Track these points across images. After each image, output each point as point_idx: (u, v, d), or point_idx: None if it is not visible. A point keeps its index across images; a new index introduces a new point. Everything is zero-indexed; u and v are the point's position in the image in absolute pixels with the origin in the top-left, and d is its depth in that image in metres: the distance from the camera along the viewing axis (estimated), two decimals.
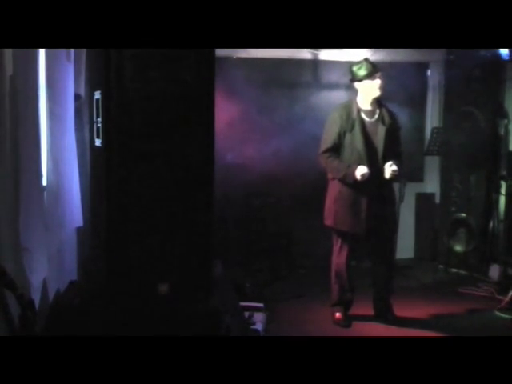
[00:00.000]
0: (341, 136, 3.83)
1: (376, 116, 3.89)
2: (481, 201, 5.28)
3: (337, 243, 4.00)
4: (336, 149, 3.85)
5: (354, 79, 3.89)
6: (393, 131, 3.90)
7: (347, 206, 3.85)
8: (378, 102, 3.90)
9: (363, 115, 3.87)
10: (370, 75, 3.80)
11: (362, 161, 3.77)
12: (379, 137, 3.83)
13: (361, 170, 3.74)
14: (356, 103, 3.89)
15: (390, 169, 3.79)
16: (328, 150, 3.86)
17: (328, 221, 3.99)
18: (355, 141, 3.80)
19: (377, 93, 3.84)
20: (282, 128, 5.10)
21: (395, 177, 3.84)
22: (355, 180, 3.75)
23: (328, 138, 3.87)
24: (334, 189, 3.94)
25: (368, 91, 3.85)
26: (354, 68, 3.87)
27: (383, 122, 3.86)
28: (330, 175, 3.97)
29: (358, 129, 3.80)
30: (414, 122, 5.56)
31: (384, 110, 3.91)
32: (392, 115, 3.95)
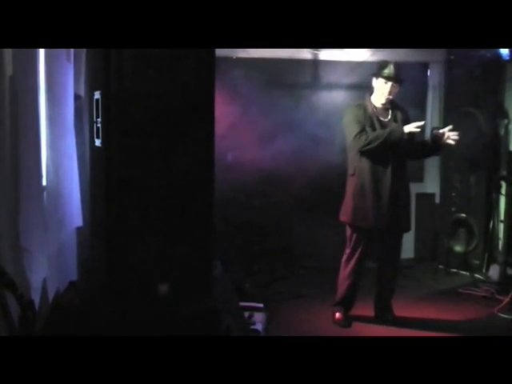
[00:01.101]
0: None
1: (389, 116, 3.90)
2: (481, 201, 5.29)
3: (350, 242, 3.96)
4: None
5: (374, 73, 3.89)
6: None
7: (367, 201, 3.80)
8: (391, 104, 3.91)
9: (377, 113, 3.88)
10: (385, 77, 3.80)
11: (388, 155, 3.77)
12: None
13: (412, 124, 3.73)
14: (370, 102, 3.90)
15: (449, 134, 3.79)
16: (361, 131, 3.79)
17: (344, 216, 3.94)
18: None
19: (382, 98, 3.85)
20: (282, 128, 5.09)
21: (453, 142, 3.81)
22: (402, 133, 3.70)
23: (353, 128, 3.81)
24: (352, 185, 3.90)
25: (378, 91, 3.87)
26: (380, 63, 3.89)
27: (396, 122, 3.86)
28: (350, 170, 3.92)
29: (377, 125, 3.80)
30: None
31: (398, 112, 3.91)
32: (405, 114, 3.96)
